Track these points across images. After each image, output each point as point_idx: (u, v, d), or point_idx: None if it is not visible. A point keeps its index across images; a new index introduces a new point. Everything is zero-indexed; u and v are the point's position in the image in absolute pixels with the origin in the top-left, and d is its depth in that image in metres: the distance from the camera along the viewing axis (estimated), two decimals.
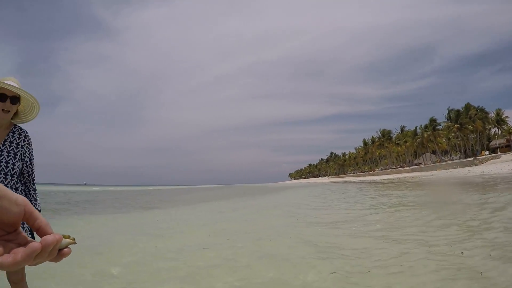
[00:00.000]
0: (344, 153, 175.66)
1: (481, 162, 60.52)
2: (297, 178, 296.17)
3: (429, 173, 65.16)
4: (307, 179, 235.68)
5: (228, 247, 5.86)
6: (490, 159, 60.38)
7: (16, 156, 2.80)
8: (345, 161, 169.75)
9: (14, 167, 2.77)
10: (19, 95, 2.70)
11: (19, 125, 2.93)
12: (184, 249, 5.87)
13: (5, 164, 2.72)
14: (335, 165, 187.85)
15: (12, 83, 2.65)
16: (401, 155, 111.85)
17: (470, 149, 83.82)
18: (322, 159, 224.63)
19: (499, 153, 72.18)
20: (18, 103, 2.72)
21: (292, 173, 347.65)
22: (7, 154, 2.75)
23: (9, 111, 2.68)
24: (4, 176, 2.71)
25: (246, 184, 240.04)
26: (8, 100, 2.63)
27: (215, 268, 4.64)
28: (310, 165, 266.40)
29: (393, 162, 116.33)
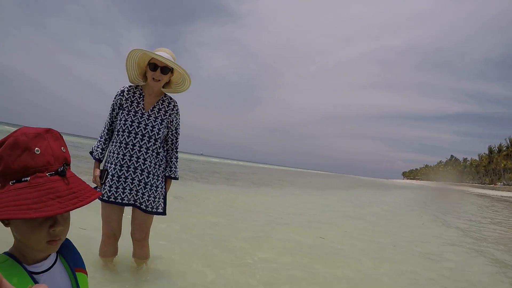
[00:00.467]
0: (466, 158, 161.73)
1: None
2: (411, 178, 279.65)
3: None
4: (421, 181, 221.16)
5: None
6: None
7: (163, 123, 2.92)
8: (465, 167, 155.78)
9: (160, 132, 2.88)
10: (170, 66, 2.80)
11: (169, 94, 3.06)
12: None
13: (151, 129, 2.85)
14: (453, 170, 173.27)
15: (164, 53, 2.77)
16: None
17: None
18: (440, 161, 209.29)
19: None
20: (169, 73, 2.84)
21: (406, 172, 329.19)
22: (154, 119, 2.88)
23: (159, 80, 2.80)
24: (148, 139, 2.84)
25: (355, 176, 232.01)
26: (159, 70, 2.76)
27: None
28: (426, 166, 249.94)
29: None
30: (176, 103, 3.05)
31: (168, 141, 3.06)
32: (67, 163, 0.99)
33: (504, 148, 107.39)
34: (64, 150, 1.00)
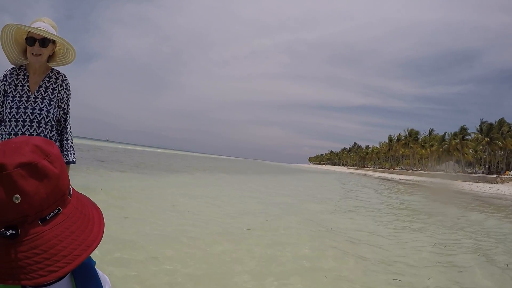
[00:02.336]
0: (368, 146, 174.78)
1: (504, 181, 59.93)
2: (316, 163, 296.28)
3: (449, 182, 65.02)
4: (326, 165, 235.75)
5: None
6: None
7: (52, 103, 2.63)
8: (367, 154, 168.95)
9: (49, 114, 2.60)
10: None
11: (57, 68, 2.74)
12: None
13: (39, 112, 2.56)
14: (356, 156, 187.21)
15: (41, 24, 2.48)
16: (424, 158, 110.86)
17: (495, 166, 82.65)
18: (344, 148, 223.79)
19: None
20: (50, 45, 2.54)
21: (312, 157, 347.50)
22: (41, 100, 2.59)
23: (40, 54, 2.49)
24: (37, 125, 2.56)
25: (264, 161, 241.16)
26: (37, 43, 2.45)
27: None
28: (331, 152, 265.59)
29: (415, 163, 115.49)
30: (66, 77, 2.73)
31: (61, 121, 2.76)
32: (25, 219, 0.69)
33: (403, 138, 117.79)
34: (18, 201, 0.67)
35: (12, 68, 2.64)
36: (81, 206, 0.81)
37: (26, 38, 2.48)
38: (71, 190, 0.80)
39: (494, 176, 66.12)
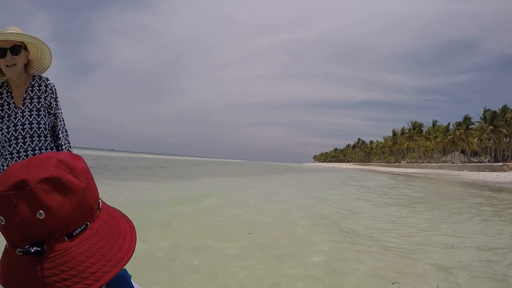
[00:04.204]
0: (372, 141, 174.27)
1: (510, 168, 59.71)
2: (321, 161, 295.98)
3: (456, 172, 64.81)
4: (331, 163, 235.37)
5: None
6: None
7: (40, 113, 2.43)
8: (372, 149, 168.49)
9: (40, 125, 2.41)
10: (20, 42, 2.27)
11: (38, 74, 2.53)
12: None
13: (29, 126, 2.37)
14: (361, 152, 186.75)
15: (6, 29, 2.25)
16: (429, 150, 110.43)
17: (501, 154, 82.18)
18: (348, 145, 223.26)
19: None
20: (23, 52, 2.30)
21: (316, 155, 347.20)
22: (29, 113, 2.39)
23: (14, 64, 2.26)
24: (30, 139, 2.39)
25: (269, 162, 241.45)
26: (8, 52, 2.22)
27: None
28: (336, 149, 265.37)
29: (420, 156, 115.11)
30: (49, 80, 2.52)
31: (55, 127, 2.56)
32: (50, 235, 0.68)
33: (407, 131, 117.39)
34: (42, 217, 0.66)
35: None
36: (111, 220, 0.79)
37: None
38: (100, 204, 0.78)
39: (501, 164, 65.75)
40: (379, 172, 59.66)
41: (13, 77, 2.36)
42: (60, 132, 2.56)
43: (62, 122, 2.57)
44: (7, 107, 2.39)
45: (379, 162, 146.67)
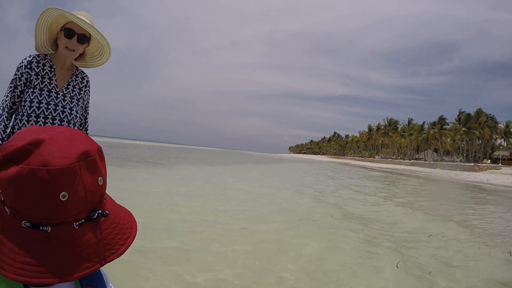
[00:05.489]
0: (348, 135, 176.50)
1: (481, 169, 61.35)
2: (297, 153, 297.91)
3: (428, 169, 66.05)
4: (307, 155, 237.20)
5: None
6: (490, 168, 61.21)
7: (79, 103, 2.48)
8: (347, 143, 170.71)
9: (77, 114, 2.46)
10: (89, 34, 2.30)
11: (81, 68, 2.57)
12: None
13: (69, 111, 2.38)
14: (336, 145, 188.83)
15: (82, 17, 2.22)
16: (403, 147, 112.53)
17: (473, 155, 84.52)
18: (324, 138, 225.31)
19: (500, 164, 72.83)
20: (86, 44, 2.34)
21: (292, 146, 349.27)
22: (70, 99, 2.41)
23: (73, 50, 2.28)
24: (67, 125, 2.39)
25: (246, 152, 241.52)
26: (75, 38, 2.25)
27: None
28: (311, 141, 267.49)
29: (394, 152, 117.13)
30: (89, 78, 2.59)
31: (82, 124, 2.62)
32: (102, 199, 0.75)
33: (382, 127, 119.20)
34: (101, 183, 0.73)
35: (37, 55, 2.37)
36: None
37: (64, 29, 2.26)
38: None
39: (472, 164, 67.51)
40: (356, 167, 59.91)
41: (65, 60, 2.37)
42: (87, 127, 2.65)
43: (88, 115, 2.64)
44: (48, 81, 2.36)
45: (354, 156, 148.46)
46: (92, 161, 0.70)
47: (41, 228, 0.66)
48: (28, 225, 0.66)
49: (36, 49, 2.38)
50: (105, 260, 0.71)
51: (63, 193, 0.65)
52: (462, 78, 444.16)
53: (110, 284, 0.94)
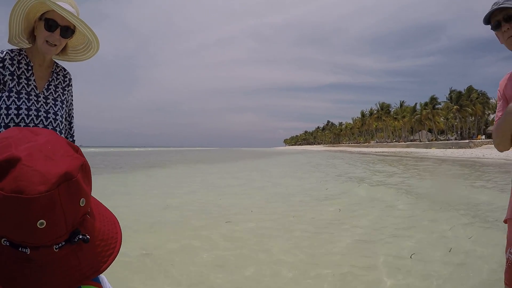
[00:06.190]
0: (341, 122, 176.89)
1: (476, 145, 61.72)
2: (292, 145, 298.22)
3: (424, 150, 66.30)
4: (302, 146, 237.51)
5: None
6: (485, 144, 61.43)
7: (63, 105, 2.14)
8: (341, 130, 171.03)
9: (62, 119, 2.13)
10: (74, 26, 1.92)
11: (58, 62, 2.22)
12: None
13: (54, 116, 2.05)
14: (330, 134, 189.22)
15: (67, 6, 1.87)
16: (398, 130, 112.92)
17: (467, 132, 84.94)
18: (318, 127, 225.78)
19: None
20: (70, 37, 1.97)
21: (287, 139, 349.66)
22: (53, 102, 2.07)
23: (55, 45, 1.92)
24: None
25: (241, 148, 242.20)
26: (58, 31, 1.88)
27: None
28: (306, 132, 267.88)
29: (389, 136, 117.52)
30: (71, 76, 2.26)
31: (66, 129, 2.28)
32: (84, 218, 0.69)
33: (375, 112, 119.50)
34: (84, 204, 0.67)
35: (11, 51, 1.96)
36: None
37: (45, 19, 1.85)
38: None
39: (467, 141, 67.83)
40: (350, 153, 60.07)
41: (45, 56, 2.01)
42: (73, 133, 2.33)
43: (73, 123, 2.32)
44: (25, 82, 1.98)
45: (349, 143, 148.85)
46: (74, 183, 0.64)
47: (20, 249, 0.63)
48: (8, 244, 0.63)
49: (9, 41, 2.01)
50: (87, 279, 0.69)
51: (40, 221, 0.60)
52: (450, 57, 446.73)
53: (108, 284, 0.92)
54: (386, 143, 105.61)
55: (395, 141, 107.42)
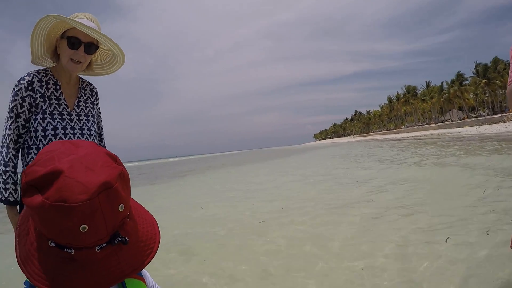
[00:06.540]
0: (369, 111, 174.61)
1: (510, 118, 60.19)
2: (322, 139, 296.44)
3: (456, 129, 65.24)
4: (332, 139, 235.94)
5: None
6: None
7: (95, 120, 2.16)
8: (370, 119, 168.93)
9: (95, 134, 2.15)
10: (97, 41, 1.95)
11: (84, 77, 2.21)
12: None
13: (88, 132, 2.06)
14: (360, 123, 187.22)
15: (88, 22, 1.88)
16: (427, 112, 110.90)
17: (498, 105, 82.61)
18: (346, 118, 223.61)
19: None
20: (94, 52, 1.98)
21: (316, 133, 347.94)
22: (85, 118, 2.07)
23: (81, 62, 1.93)
24: None
25: (272, 148, 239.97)
26: (82, 48, 1.89)
27: None
28: (334, 124, 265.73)
29: (419, 119, 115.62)
30: (97, 89, 2.25)
31: (97, 141, 2.26)
32: (124, 221, 0.77)
33: (402, 96, 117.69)
34: (123, 209, 0.75)
35: (37, 72, 1.97)
36: None
37: (67, 38, 1.87)
38: None
39: (500, 115, 66.21)
40: (381, 141, 59.10)
41: (71, 74, 2.03)
42: (104, 145, 2.36)
43: (103, 134, 2.36)
44: (56, 102, 1.98)
45: (379, 131, 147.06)
46: (112, 191, 0.71)
47: (65, 250, 0.71)
48: (54, 245, 0.72)
49: (33, 62, 2.02)
50: (126, 276, 0.76)
51: (83, 225, 0.67)
52: (470, 30, 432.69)
53: (151, 279, 1.03)
54: (416, 126, 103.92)
55: (426, 124, 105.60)
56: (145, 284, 0.95)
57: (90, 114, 2.11)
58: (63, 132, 1.95)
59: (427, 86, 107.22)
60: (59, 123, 1.93)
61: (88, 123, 2.07)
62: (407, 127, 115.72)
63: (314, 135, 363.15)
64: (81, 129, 2.02)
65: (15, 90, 1.89)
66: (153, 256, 0.81)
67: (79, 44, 1.87)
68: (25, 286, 0.84)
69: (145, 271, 1.01)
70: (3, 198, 1.85)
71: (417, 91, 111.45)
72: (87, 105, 2.11)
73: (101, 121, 2.30)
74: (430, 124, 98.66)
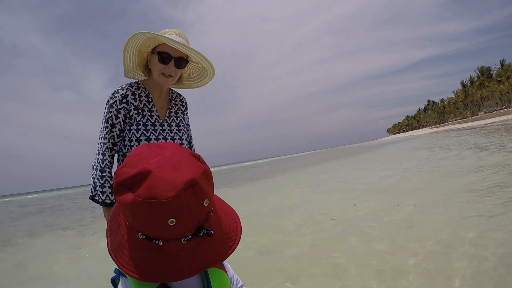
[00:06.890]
0: (442, 99, 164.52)
1: None
2: (396, 133, 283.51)
3: None
4: (407, 132, 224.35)
5: None
6: None
7: (185, 129, 2.25)
8: (444, 108, 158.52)
9: (186, 142, 2.23)
10: (186, 56, 2.00)
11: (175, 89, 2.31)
12: None
13: (180, 142, 2.14)
14: (434, 113, 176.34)
15: (177, 38, 1.94)
16: (505, 94, 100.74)
17: None
18: (419, 109, 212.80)
19: None
20: (184, 67, 2.05)
21: (390, 128, 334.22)
22: (177, 128, 2.16)
23: (171, 76, 2.00)
24: None
25: (348, 145, 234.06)
26: (172, 62, 1.96)
27: None
28: (407, 117, 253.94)
29: (497, 102, 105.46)
30: (186, 99, 2.34)
31: (188, 146, 2.38)
32: (208, 215, 0.85)
33: (476, 79, 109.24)
34: (207, 204, 0.82)
35: (130, 85, 2.06)
36: None
37: (158, 53, 1.95)
38: None
39: None
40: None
41: (163, 87, 2.10)
42: (193, 149, 2.41)
43: (193, 142, 2.41)
44: (149, 114, 2.06)
45: (456, 120, 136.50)
46: (198, 187, 0.78)
47: (154, 241, 0.79)
48: (143, 237, 0.80)
49: (125, 76, 2.12)
50: (210, 266, 0.84)
51: (171, 219, 0.75)
52: None
53: (232, 271, 1.13)
54: (495, 111, 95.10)
55: (505, 108, 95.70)
56: (226, 274, 1.05)
57: (181, 124, 2.19)
58: (156, 142, 1.96)
59: (502, 65, 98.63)
60: (152, 134, 2.03)
61: (180, 132, 2.14)
62: (485, 113, 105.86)
63: (387, 130, 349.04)
64: (173, 138, 2.10)
65: (110, 102, 1.99)
66: (235, 248, 0.88)
67: (169, 59, 1.94)
68: (115, 273, 0.98)
69: (226, 263, 1.12)
70: (100, 200, 1.99)
71: (491, 72, 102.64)
72: (177, 115, 2.19)
73: (190, 129, 2.36)
74: (510, 108, 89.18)
